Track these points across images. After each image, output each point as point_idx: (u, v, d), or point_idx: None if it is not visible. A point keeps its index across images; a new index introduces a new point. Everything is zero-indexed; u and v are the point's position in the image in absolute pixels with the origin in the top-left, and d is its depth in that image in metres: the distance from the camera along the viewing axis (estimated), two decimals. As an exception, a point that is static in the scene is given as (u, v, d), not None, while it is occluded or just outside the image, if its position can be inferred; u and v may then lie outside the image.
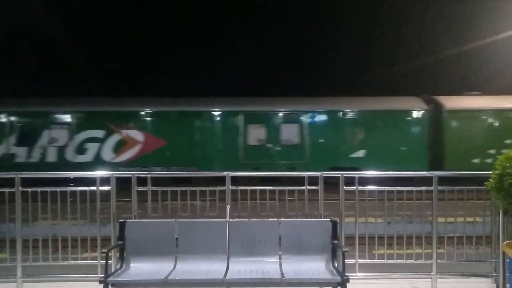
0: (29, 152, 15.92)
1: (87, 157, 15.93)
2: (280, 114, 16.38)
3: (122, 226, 4.21)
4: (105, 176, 4.86)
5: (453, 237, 4.92)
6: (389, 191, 4.93)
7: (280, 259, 4.14)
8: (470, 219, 4.94)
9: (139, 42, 24.57)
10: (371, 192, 4.92)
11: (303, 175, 4.90)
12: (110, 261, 4.38)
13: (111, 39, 24.44)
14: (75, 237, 4.90)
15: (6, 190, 4.73)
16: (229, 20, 24.97)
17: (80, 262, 4.81)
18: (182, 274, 3.88)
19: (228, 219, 4.40)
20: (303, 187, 4.83)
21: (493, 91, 17.45)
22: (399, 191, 4.91)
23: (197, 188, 4.93)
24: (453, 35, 22.06)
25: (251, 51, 23.69)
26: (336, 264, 4.06)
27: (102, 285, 3.69)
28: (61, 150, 15.93)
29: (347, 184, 4.78)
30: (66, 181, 5.12)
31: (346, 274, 3.75)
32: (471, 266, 4.87)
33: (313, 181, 4.83)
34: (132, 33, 24.50)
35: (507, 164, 3.95)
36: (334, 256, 4.13)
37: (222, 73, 23.22)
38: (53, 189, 4.81)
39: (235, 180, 4.92)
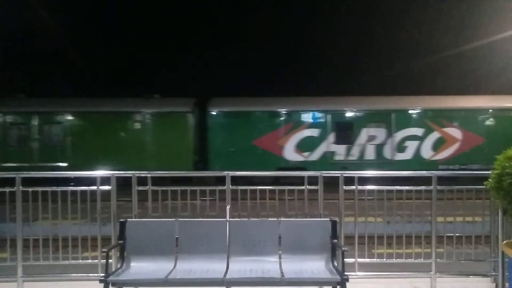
0: (349, 150, 16.19)
1: (406, 155, 16.05)
2: None
3: (123, 225, 4.22)
4: (105, 176, 4.87)
5: (452, 236, 4.93)
6: (388, 191, 4.95)
7: (280, 258, 4.15)
8: (469, 218, 4.95)
9: (141, 42, 24.56)
10: (370, 191, 4.93)
11: (303, 175, 4.91)
12: (111, 260, 4.40)
13: (111, 39, 24.43)
14: (76, 236, 4.90)
15: (7, 189, 4.74)
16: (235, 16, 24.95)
17: (80, 261, 4.83)
18: (182, 273, 3.89)
19: (228, 218, 4.41)
20: (302, 187, 4.84)
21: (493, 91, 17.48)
22: (398, 191, 4.92)
23: (197, 188, 4.95)
24: (453, 35, 22.04)
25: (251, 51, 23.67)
26: (335, 264, 4.07)
27: (102, 284, 3.70)
28: (379, 148, 16.11)
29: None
30: (66, 180, 5.11)
31: (345, 273, 3.76)
32: (470, 265, 4.88)
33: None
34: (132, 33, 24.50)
35: (506, 164, 3.95)
36: (333, 256, 4.13)
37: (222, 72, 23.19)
38: (54, 188, 4.82)
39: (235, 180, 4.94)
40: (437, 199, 4.74)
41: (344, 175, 4.78)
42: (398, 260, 4.87)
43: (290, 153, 16.23)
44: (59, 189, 4.82)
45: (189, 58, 23.36)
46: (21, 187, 4.70)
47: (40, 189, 4.79)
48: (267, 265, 4.04)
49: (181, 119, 16.47)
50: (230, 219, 4.38)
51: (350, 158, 16.12)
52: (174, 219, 4.30)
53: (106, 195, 4.76)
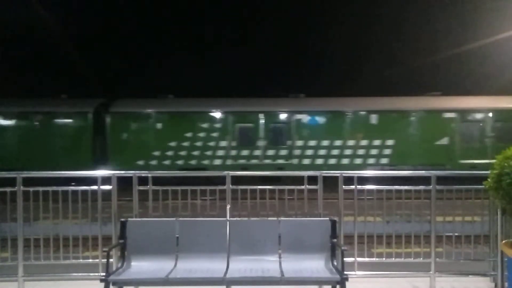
0: None
1: None
2: None
3: (123, 225, 4.23)
4: (106, 175, 4.89)
5: (451, 236, 4.95)
6: (388, 191, 4.96)
7: (279, 257, 4.17)
8: (468, 218, 4.97)
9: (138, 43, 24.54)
10: (370, 191, 4.94)
11: (303, 175, 4.93)
12: (111, 260, 4.42)
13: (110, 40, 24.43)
14: (77, 236, 4.91)
15: (8, 189, 4.75)
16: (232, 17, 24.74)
17: (81, 261, 4.84)
18: (182, 272, 3.91)
19: (228, 218, 4.43)
20: (302, 186, 4.86)
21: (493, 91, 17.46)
22: (397, 191, 4.94)
23: (198, 188, 4.96)
24: (453, 35, 21.96)
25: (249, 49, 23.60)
26: (335, 263, 4.09)
27: (103, 283, 3.71)
28: None
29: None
30: (68, 180, 5.13)
31: (345, 272, 3.77)
32: (469, 265, 4.89)
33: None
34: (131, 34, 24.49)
35: (505, 164, 3.96)
36: (333, 255, 4.15)
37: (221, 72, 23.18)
38: (55, 188, 4.83)
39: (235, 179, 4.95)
40: (436, 198, 4.76)
41: (343, 174, 4.80)
42: (398, 260, 4.88)
43: None
44: (60, 189, 4.84)
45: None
46: (22, 186, 4.73)
47: (41, 188, 4.80)
48: (267, 264, 4.06)
49: None
50: (230, 219, 4.39)
51: None
52: (174, 219, 4.32)
53: (107, 194, 4.78)
